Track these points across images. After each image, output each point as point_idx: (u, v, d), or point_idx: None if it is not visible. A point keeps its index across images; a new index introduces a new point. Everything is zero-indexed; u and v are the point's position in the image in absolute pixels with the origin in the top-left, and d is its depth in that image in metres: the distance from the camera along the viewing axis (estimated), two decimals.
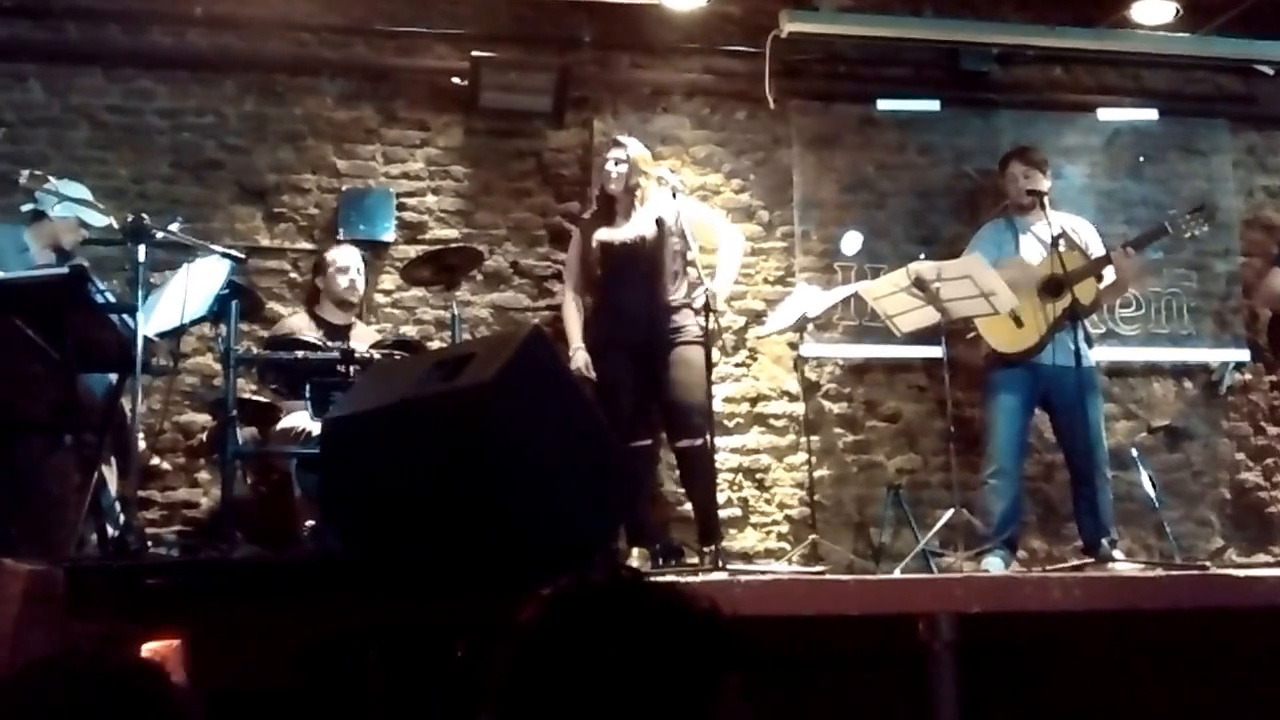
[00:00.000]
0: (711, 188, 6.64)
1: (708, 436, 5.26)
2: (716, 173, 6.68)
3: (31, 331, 3.79)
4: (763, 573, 5.25)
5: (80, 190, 4.71)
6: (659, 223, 5.53)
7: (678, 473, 5.78)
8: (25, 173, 4.35)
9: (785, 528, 6.42)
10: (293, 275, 6.15)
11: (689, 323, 5.51)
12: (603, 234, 5.63)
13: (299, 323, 5.56)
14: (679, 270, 5.58)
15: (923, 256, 5.75)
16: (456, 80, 6.45)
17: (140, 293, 4.20)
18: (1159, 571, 5.23)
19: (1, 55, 6.12)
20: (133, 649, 3.72)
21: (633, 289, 5.53)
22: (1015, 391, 5.81)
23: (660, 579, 4.05)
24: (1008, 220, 6.05)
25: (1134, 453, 6.48)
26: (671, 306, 5.52)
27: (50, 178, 4.53)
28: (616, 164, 5.66)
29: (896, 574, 5.27)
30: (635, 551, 5.40)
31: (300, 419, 5.01)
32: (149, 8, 6.29)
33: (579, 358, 5.51)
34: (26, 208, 4.67)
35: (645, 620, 1.35)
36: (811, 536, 6.00)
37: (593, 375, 5.46)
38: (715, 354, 5.65)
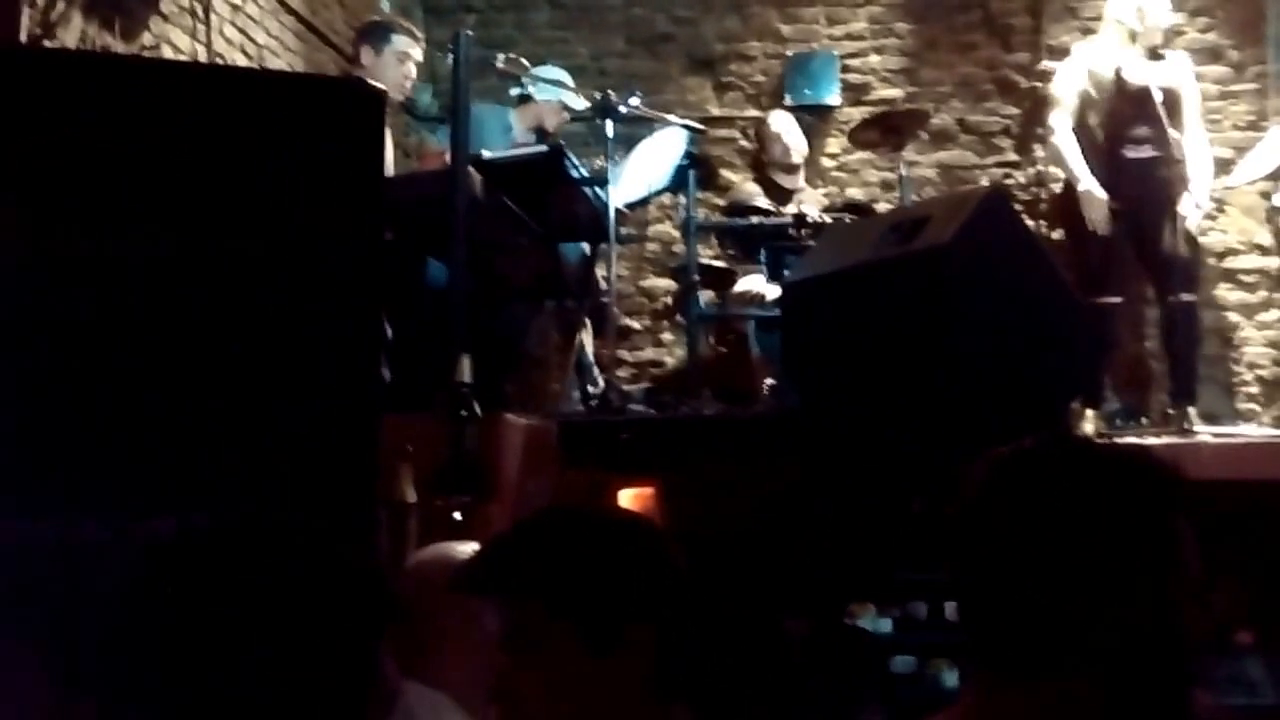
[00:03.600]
0: (1174, 29, 6.18)
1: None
2: (1179, 10, 6.19)
3: (516, 206, 4.10)
4: (1230, 434, 4.98)
5: (560, 74, 5.00)
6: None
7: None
8: (501, 57, 4.64)
9: (1256, 389, 6.03)
10: (742, 143, 6.30)
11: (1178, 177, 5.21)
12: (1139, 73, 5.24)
13: (751, 189, 5.71)
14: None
15: None
16: None
17: (609, 165, 4.44)
18: None
19: None
20: (615, 495, 4.08)
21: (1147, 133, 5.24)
22: None
23: (1117, 441, 3.97)
24: None
25: None
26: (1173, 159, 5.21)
27: (527, 62, 4.83)
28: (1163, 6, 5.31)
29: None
30: (1090, 413, 5.26)
31: (756, 282, 5.18)
32: None
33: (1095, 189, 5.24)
34: (514, 91, 5.01)
35: (1089, 482, 1.33)
36: None
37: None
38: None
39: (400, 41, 4.44)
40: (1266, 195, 5.93)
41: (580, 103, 4.84)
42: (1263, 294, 6.08)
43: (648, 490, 4.22)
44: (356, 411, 2.42)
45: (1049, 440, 1.38)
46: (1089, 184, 5.20)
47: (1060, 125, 5.37)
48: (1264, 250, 6.08)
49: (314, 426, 2.35)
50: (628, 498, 4.17)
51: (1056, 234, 6.06)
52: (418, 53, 4.50)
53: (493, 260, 4.12)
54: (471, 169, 3.76)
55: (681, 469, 4.15)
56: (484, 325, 3.80)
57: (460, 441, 3.26)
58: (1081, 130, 5.35)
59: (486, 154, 4.01)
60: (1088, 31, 6.08)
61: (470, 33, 3.95)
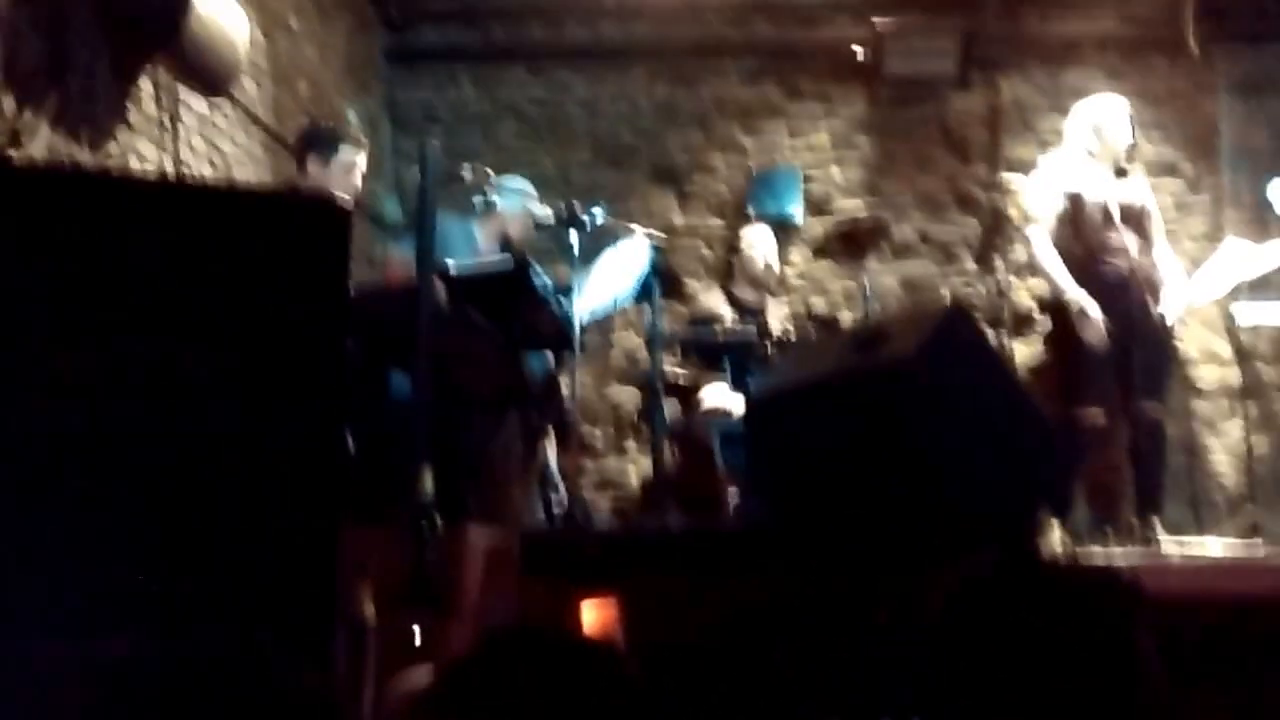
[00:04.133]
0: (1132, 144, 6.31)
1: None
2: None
3: (481, 317, 4.08)
4: (1195, 547, 4.99)
5: (523, 184, 5.03)
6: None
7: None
8: (468, 166, 4.66)
9: (1219, 500, 6.06)
10: (706, 253, 6.35)
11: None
12: (1108, 192, 5.33)
13: (716, 300, 5.73)
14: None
15: None
16: (859, 51, 6.43)
17: (573, 276, 4.44)
18: None
19: (437, 58, 6.64)
20: (577, 609, 4.01)
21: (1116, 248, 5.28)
22: None
23: (1079, 560, 3.95)
24: None
25: None
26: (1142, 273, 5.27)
27: (492, 172, 4.86)
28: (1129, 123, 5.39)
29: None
30: (1057, 524, 5.25)
31: (720, 394, 5.17)
32: (565, 3, 6.65)
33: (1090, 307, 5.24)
34: (479, 201, 5.03)
35: (1052, 602, 1.32)
36: (1248, 510, 5.64)
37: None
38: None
39: (347, 151, 4.44)
40: (1224, 306, 6.02)
41: (545, 213, 4.86)
42: (1224, 406, 6.14)
43: (611, 604, 4.16)
44: (316, 528, 2.38)
45: (1012, 559, 1.38)
46: (1084, 302, 5.21)
47: (1040, 240, 5.41)
48: (1223, 362, 6.15)
49: (273, 543, 2.31)
50: (590, 611, 4.10)
51: (1019, 347, 6.13)
52: (364, 161, 4.51)
53: (456, 371, 4.10)
54: (436, 280, 3.76)
55: (645, 583, 4.10)
56: (446, 437, 3.77)
57: (421, 556, 3.21)
58: (1061, 245, 5.41)
59: (451, 265, 4.00)
60: (1044, 146, 6.21)
61: (436, 144, 3.97)
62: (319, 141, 4.47)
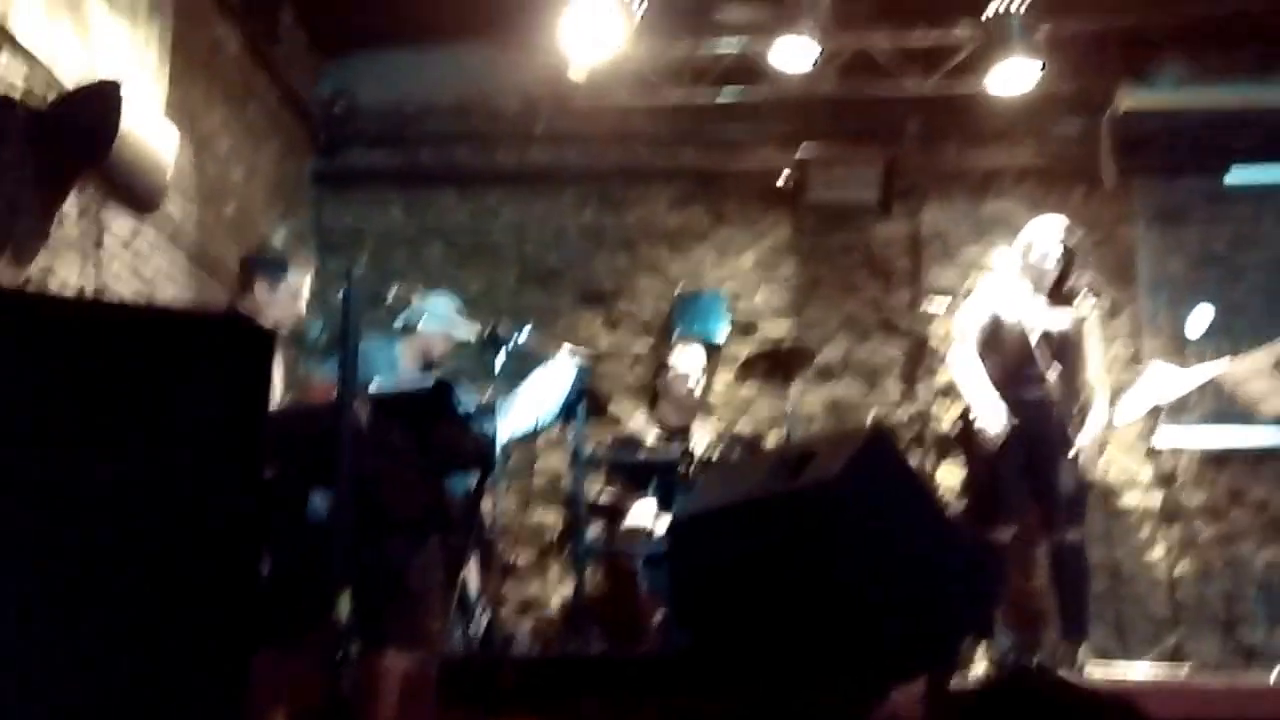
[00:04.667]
0: None
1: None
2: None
3: (402, 438, 4.04)
4: (1121, 672, 4.98)
5: (448, 304, 5.03)
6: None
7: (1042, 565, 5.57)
8: (394, 288, 4.67)
9: (1144, 625, 6.06)
10: (631, 375, 6.35)
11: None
12: (1033, 316, 5.39)
13: (641, 423, 5.72)
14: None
15: None
16: (783, 179, 6.54)
17: (497, 398, 4.42)
18: None
19: (366, 181, 6.67)
20: None
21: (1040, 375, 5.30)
22: None
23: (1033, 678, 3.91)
24: None
25: None
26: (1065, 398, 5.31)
27: (418, 293, 4.85)
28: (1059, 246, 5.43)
29: (1273, 678, 4.87)
30: (981, 648, 5.22)
31: (644, 517, 5.13)
32: (495, 129, 6.72)
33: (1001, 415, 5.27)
34: (400, 320, 5.01)
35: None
36: (1173, 635, 5.65)
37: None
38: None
39: (295, 277, 4.44)
40: (1148, 433, 6.12)
41: (468, 334, 4.85)
42: (1147, 531, 6.18)
43: None
44: (228, 652, 2.31)
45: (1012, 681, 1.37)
46: (988, 415, 5.23)
47: (959, 357, 5.46)
48: (1145, 486, 6.21)
49: (182, 667, 2.23)
50: None
51: (941, 470, 6.16)
52: (308, 288, 4.49)
53: (376, 492, 4.03)
54: (358, 400, 3.72)
55: (567, 710, 4.01)
56: (365, 559, 3.70)
57: (336, 682, 3.14)
58: (986, 367, 5.45)
59: (373, 386, 3.97)
60: (965, 273, 6.32)
61: (362, 267, 3.97)
62: (267, 266, 4.46)
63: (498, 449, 4.35)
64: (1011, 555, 5.45)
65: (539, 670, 4.23)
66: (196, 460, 2.32)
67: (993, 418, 5.21)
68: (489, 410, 4.38)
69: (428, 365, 4.97)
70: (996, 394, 5.25)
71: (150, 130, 4.49)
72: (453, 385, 4.18)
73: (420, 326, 4.93)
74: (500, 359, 4.54)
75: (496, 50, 6.47)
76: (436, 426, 4.19)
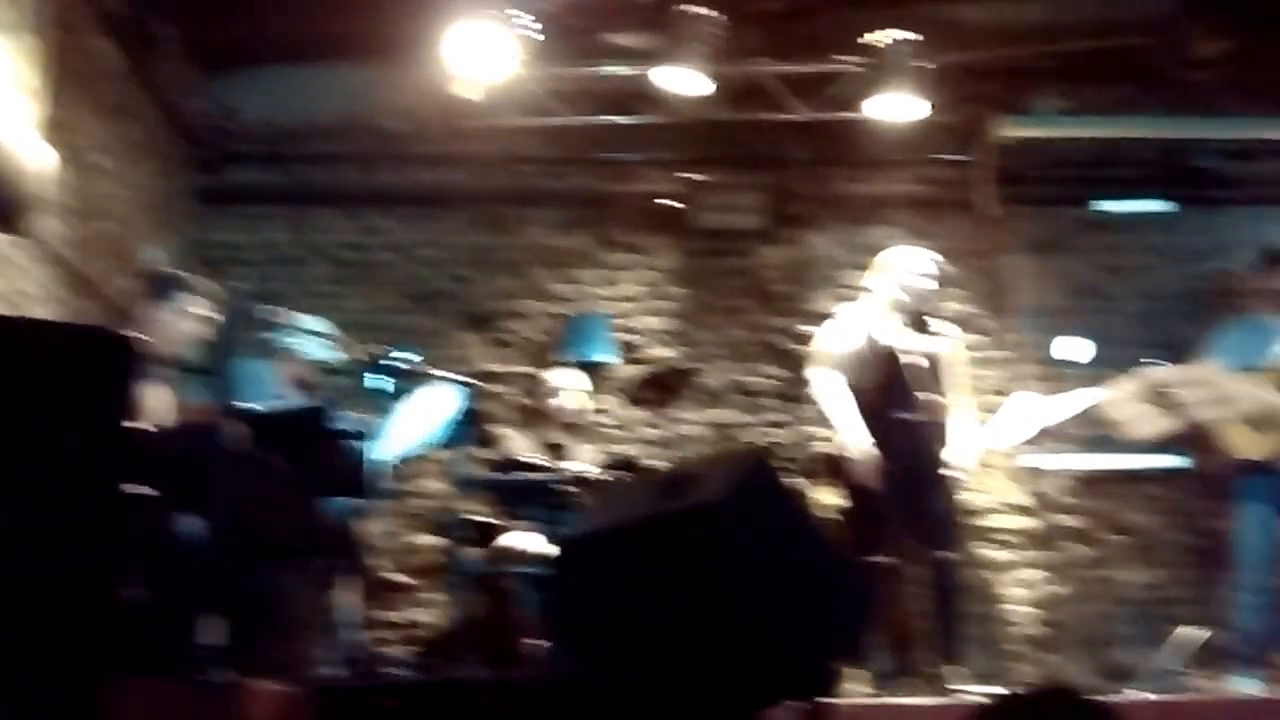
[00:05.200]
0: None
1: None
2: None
3: (277, 460, 3.97)
4: (994, 694, 5.03)
5: (321, 325, 4.96)
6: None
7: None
8: (269, 309, 4.61)
9: (1017, 647, 6.17)
10: (516, 398, 6.30)
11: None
12: (903, 342, 5.42)
13: (524, 445, 5.67)
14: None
15: (1155, 362, 5.49)
16: (670, 203, 6.58)
17: (377, 420, 4.37)
18: None
19: (245, 199, 6.56)
20: None
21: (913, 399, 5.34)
22: (1263, 501, 5.48)
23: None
24: (1251, 320, 5.77)
25: None
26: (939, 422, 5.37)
27: (293, 314, 4.79)
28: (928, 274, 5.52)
29: (1138, 696, 4.98)
30: (856, 672, 5.26)
31: (524, 539, 5.09)
32: (381, 148, 6.65)
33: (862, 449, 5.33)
34: (276, 341, 4.93)
35: None
36: (1046, 656, 5.76)
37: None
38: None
39: (184, 299, 4.37)
40: (1020, 457, 6.24)
41: (339, 354, 4.79)
42: (1021, 553, 6.30)
43: None
44: (78, 678, 2.24)
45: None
46: (856, 440, 5.33)
47: (821, 381, 5.49)
48: (1021, 510, 6.34)
49: (29, 690, 2.16)
50: None
51: (822, 493, 6.20)
52: (199, 310, 4.41)
53: (249, 515, 3.95)
54: (231, 421, 3.65)
55: None
56: (237, 583, 3.62)
57: (203, 711, 3.07)
58: (854, 392, 5.52)
59: (247, 406, 3.89)
60: (845, 299, 6.39)
61: (243, 286, 3.90)
62: (157, 285, 4.39)
63: (377, 472, 4.28)
64: (887, 577, 5.50)
65: (415, 695, 4.16)
66: (50, 474, 2.24)
67: (856, 442, 5.28)
68: (368, 432, 4.32)
69: (303, 387, 4.90)
70: (859, 418, 5.31)
71: (23, 144, 4.36)
72: (329, 407, 4.12)
73: (295, 349, 4.85)
74: (381, 381, 4.48)
75: (384, 69, 6.40)
76: (312, 448, 4.12)
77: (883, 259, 5.60)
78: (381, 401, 4.45)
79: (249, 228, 6.54)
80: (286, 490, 4.11)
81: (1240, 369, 5.43)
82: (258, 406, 4.02)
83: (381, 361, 4.53)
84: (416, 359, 4.67)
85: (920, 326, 5.49)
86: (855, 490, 5.44)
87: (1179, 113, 6.64)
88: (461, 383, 4.87)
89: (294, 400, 4.62)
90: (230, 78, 6.58)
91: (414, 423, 4.69)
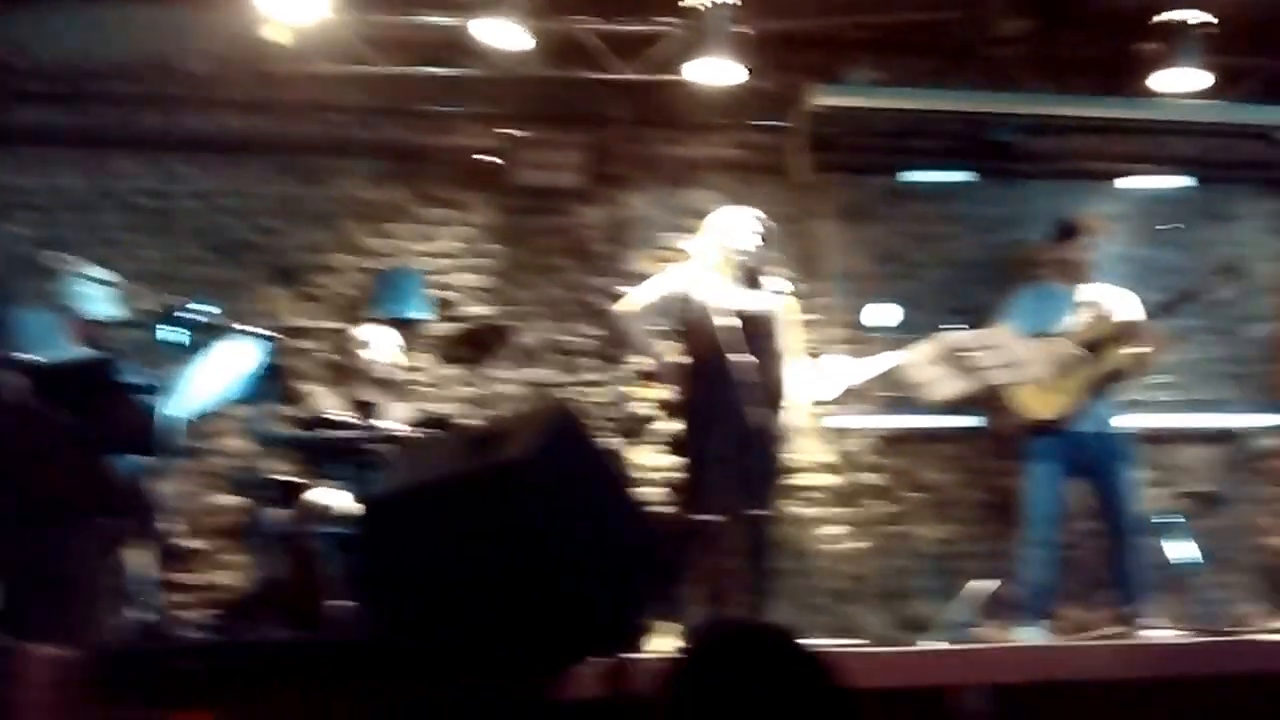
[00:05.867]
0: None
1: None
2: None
3: (61, 414, 3.80)
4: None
5: (109, 275, 4.75)
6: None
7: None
8: (55, 256, 4.40)
9: (821, 600, 6.33)
10: (324, 355, 6.15)
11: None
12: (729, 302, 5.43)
13: (331, 402, 5.55)
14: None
15: (954, 326, 5.65)
16: (488, 159, 6.49)
17: (172, 375, 4.21)
18: (1193, 638, 5.10)
19: (35, 140, 6.22)
20: None
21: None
22: (1050, 459, 5.73)
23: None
24: (1044, 288, 6.00)
25: (1167, 519, 6.34)
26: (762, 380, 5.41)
27: (80, 263, 4.57)
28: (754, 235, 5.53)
29: (932, 645, 5.16)
30: (665, 626, 5.32)
31: (328, 497, 4.99)
32: (182, 92, 6.37)
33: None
34: (57, 293, 4.70)
35: None
36: (847, 609, 5.92)
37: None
38: None
39: None
40: (828, 417, 6.38)
41: (129, 304, 4.60)
42: (826, 510, 6.45)
43: None
44: None
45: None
46: (656, 351, 5.49)
47: (622, 313, 5.57)
48: (826, 468, 6.48)
49: None
50: None
51: (638, 453, 6.25)
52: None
53: (29, 472, 3.78)
54: (11, 373, 3.47)
55: (245, 702, 3.84)
56: (18, 544, 3.46)
57: None
58: (680, 354, 5.57)
59: (27, 357, 3.71)
60: (665, 260, 6.42)
61: (28, 232, 3.70)
62: None
63: (170, 428, 4.13)
64: (705, 533, 5.57)
65: (213, 658, 4.04)
66: None
67: (657, 353, 5.49)
68: (160, 387, 4.16)
69: (90, 340, 4.69)
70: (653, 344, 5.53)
71: None
72: (118, 360, 3.96)
73: (86, 300, 4.64)
74: (176, 334, 4.31)
75: (190, 8, 6.13)
76: (98, 402, 3.95)
77: (710, 220, 5.64)
78: (176, 356, 4.28)
79: (38, 170, 6.20)
80: (70, 446, 3.94)
81: (1033, 334, 5.66)
82: (39, 358, 3.83)
83: (176, 314, 4.35)
84: (214, 311, 4.51)
85: (751, 285, 5.54)
86: (683, 447, 5.49)
87: (983, 87, 6.84)
88: (263, 337, 4.73)
89: (81, 352, 4.42)
90: (19, 12, 6.22)
91: (211, 378, 4.53)
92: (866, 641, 5.57)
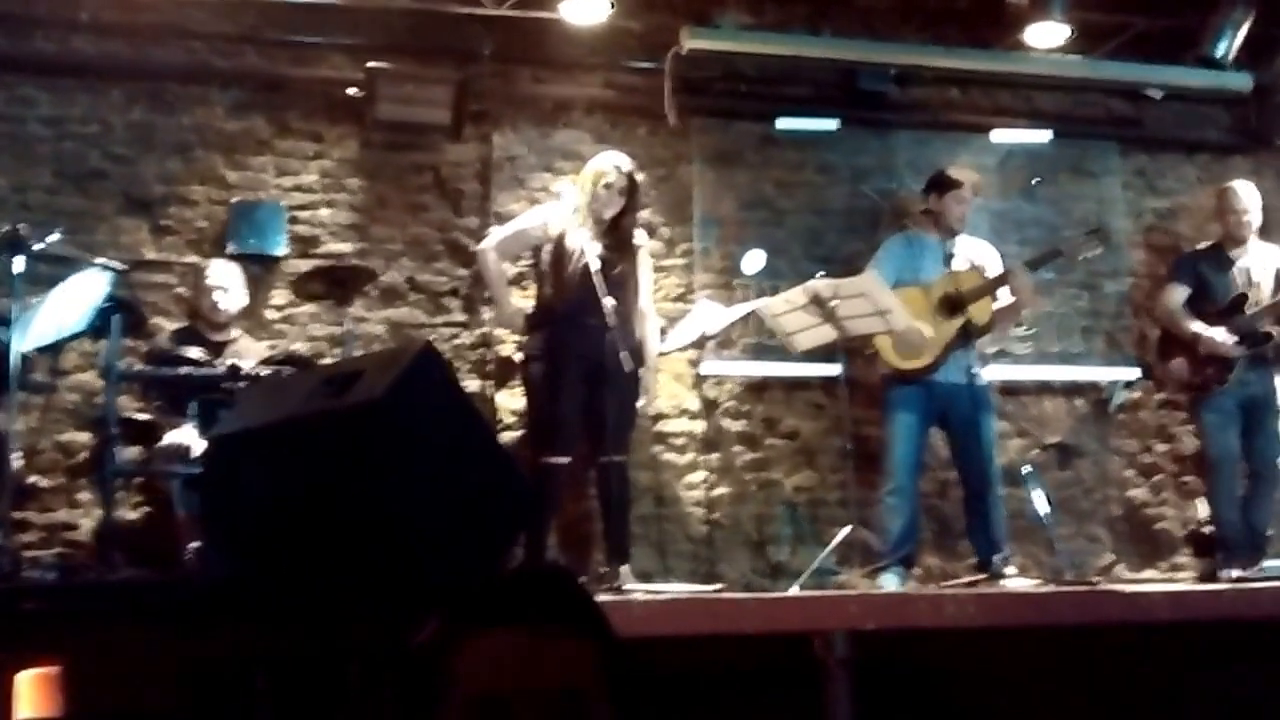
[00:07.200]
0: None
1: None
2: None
3: None
4: (660, 592, 5.20)
5: None
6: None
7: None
8: None
9: (684, 546, 6.38)
10: (179, 290, 5.96)
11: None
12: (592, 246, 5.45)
13: (181, 338, 5.39)
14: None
15: (821, 274, 5.70)
16: (352, 91, 6.33)
17: (16, 307, 4.04)
18: (1051, 588, 5.28)
19: None
20: (10, 681, 3.58)
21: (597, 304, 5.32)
22: (912, 409, 5.85)
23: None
24: (909, 238, 6.09)
25: (1026, 470, 6.53)
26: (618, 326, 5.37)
27: None
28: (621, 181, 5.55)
29: (793, 592, 5.25)
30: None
31: (183, 436, 4.87)
32: (32, 12, 6.08)
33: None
34: None
35: None
36: (709, 555, 5.98)
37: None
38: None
39: None
40: (693, 363, 6.41)
41: None
42: (690, 456, 6.49)
43: (52, 671, 3.75)
44: None
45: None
46: (507, 310, 5.72)
47: (487, 251, 5.74)
48: (691, 414, 6.51)
49: None
50: (28, 683, 3.68)
51: (501, 395, 6.20)
52: None
53: None
54: None
55: (92, 643, 3.74)
56: None
57: None
58: (539, 297, 5.54)
59: None
60: (534, 200, 6.35)
61: None
62: None
63: (14, 362, 3.97)
64: (564, 479, 5.58)
65: (60, 599, 3.92)
66: None
67: (507, 313, 5.71)
68: (7, 319, 4.00)
69: None
70: (510, 294, 5.77)
71: None
72: None
73: None
74: (20, 264, 4.14)
75: None
76: None
77: (584, 167, 5.62)
78: (22, 287, 4.11)
79: None
80: None
81: (899, 284, 5.74)
82: None
83: (22, 243, 4.18)
84: (58, 240, 4.34)
85: (613, 230, 5.53)
86: (541, 391, 5.48)
87: (855, 35, 6.89)
88: (111, 269, 4.57)
89: None
90: None
91: (56, 310, 4.37)
92: (727, 588, 5.65)
